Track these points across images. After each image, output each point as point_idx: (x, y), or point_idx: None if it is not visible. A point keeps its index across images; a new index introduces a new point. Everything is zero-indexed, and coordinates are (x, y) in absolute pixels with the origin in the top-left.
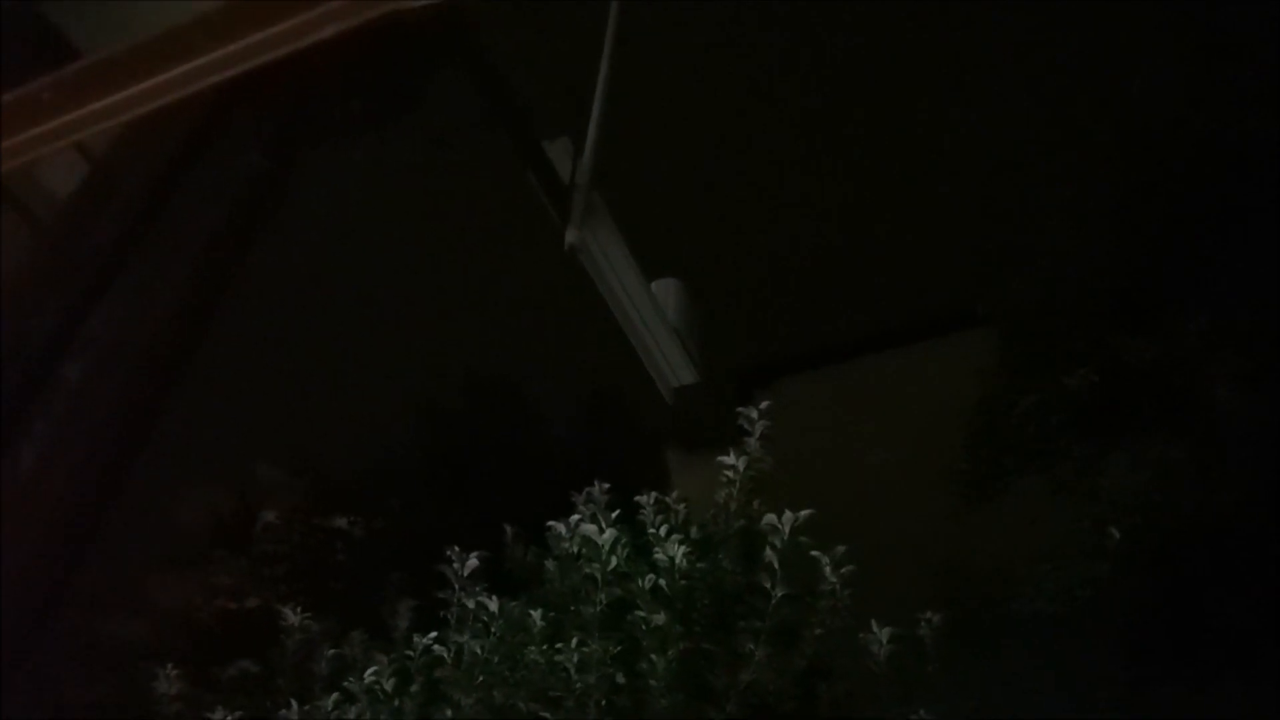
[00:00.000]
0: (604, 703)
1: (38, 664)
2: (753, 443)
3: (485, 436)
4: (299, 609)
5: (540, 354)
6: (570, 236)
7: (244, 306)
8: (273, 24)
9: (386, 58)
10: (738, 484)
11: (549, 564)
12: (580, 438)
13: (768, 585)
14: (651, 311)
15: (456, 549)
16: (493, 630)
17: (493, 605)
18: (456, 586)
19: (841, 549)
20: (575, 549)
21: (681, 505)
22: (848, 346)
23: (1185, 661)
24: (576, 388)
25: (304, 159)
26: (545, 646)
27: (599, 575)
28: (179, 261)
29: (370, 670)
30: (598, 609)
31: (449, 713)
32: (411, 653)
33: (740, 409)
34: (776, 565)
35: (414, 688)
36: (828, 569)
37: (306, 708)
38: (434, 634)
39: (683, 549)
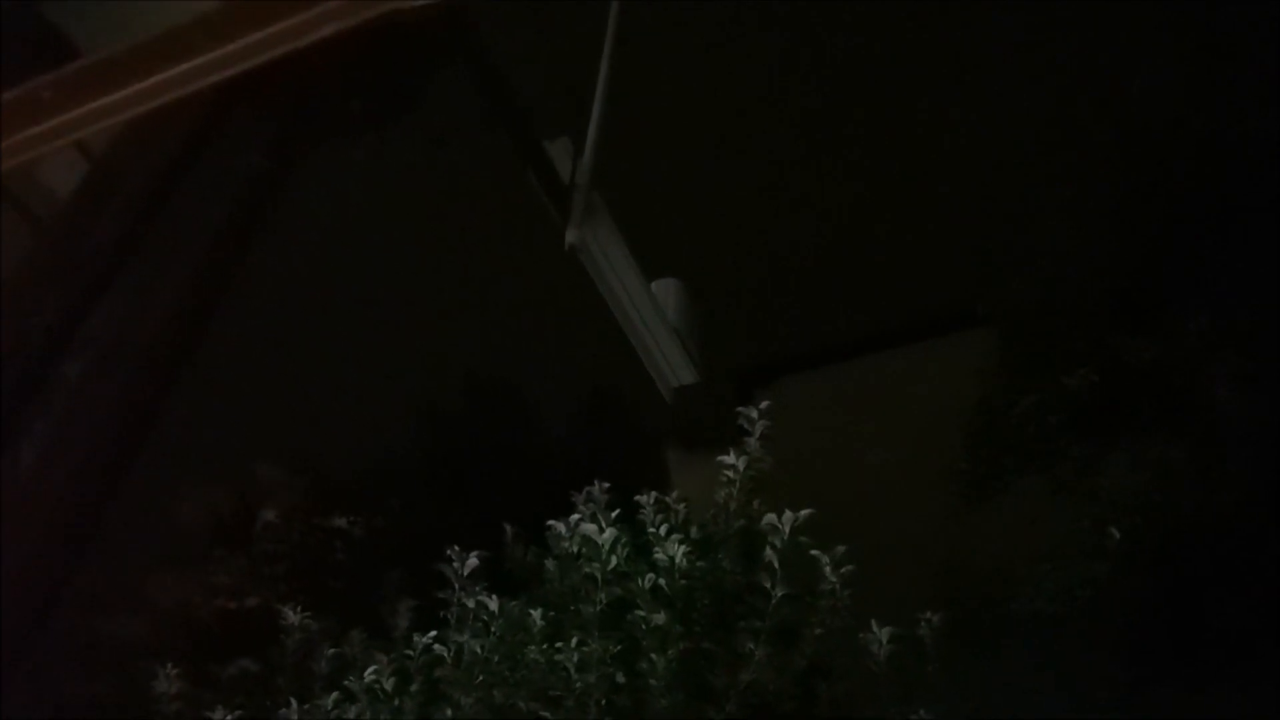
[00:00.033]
0: (604, 702)
1: (38, 663)
2: (753, 442)
3: (485, 436)
4: (299, 608)
5: (540, 353)
6: (570, 236)
7: (244, 306)
8: (272, 23)
9: (386, 58)
10: (738, 484)
11: (549, 563)
12: (580, 437)
13: (768, 585)
14: (651, 311)
15: (456, 548)
16: (493, 630)
17: (493, 604)
18: (456, 586)
19: (841, 549)
20: (575, 548)
21: (681, 505)
22: (848, 346)
23: (1185, 661)
24: (576, 387)
25: (304, 159)
26: (545, 646)
27: (599, 575)
28: (179, 261)
29: (370, 669)
30: (598, 608)
31: (449, 712)
32: (411, 652)
33: (740, 409)
34: (776, 565)
35: (414, 687)
36: (828, 569)
37: (306, 707)
38: (434, 633)
39: (683, 548)
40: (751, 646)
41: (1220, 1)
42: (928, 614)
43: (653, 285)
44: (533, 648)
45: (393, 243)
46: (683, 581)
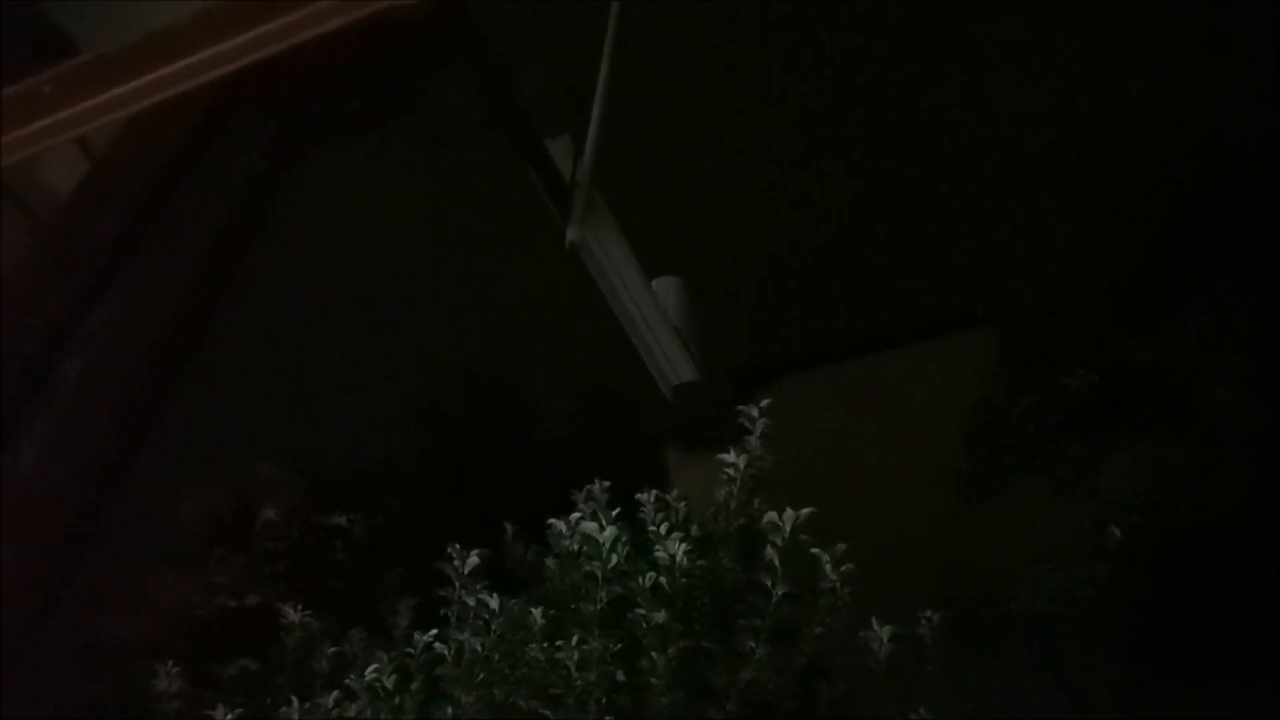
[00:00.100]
0: (604, 700)
1: (38, 663)
2: (753, 441)
3: (485, 434)
4: (299, 607)
5: (540, 352)
6: (571, 234)
7: (244, 306)
8: (272, 20)
9: (386, 57)
10: (738, 482)
11: (549, 562)
12: (580, 435)
13: (768, 583)
14: (652, 309)
15: (457, 546)
16: (493, 628)
17: (493, 603)
18: (457, 584)
19: (842, 547)
20: (576, 547)
21: (682, 503)
22: (848, 346)
23: (1185, 661)
24: (577, 385)
25: (304, 158)
26: (546, 644)
27: (599, 573)
28: (179, 260)
29: (371, 668)
30: (598, 607)
31: (449, 710)
32: (412, 650)
33: (741, 407)
34: (777, 563)
35: (414, 685)
36: (828, 567)
37: (307, 705)
38: (434, 631)
39: (683, 547)
40: (752, 645)
41: (1220, 1)
42: (928, 613)
43: (653, 283)
44: (533, 646)
45: (393, 243)
46: (683, 580)
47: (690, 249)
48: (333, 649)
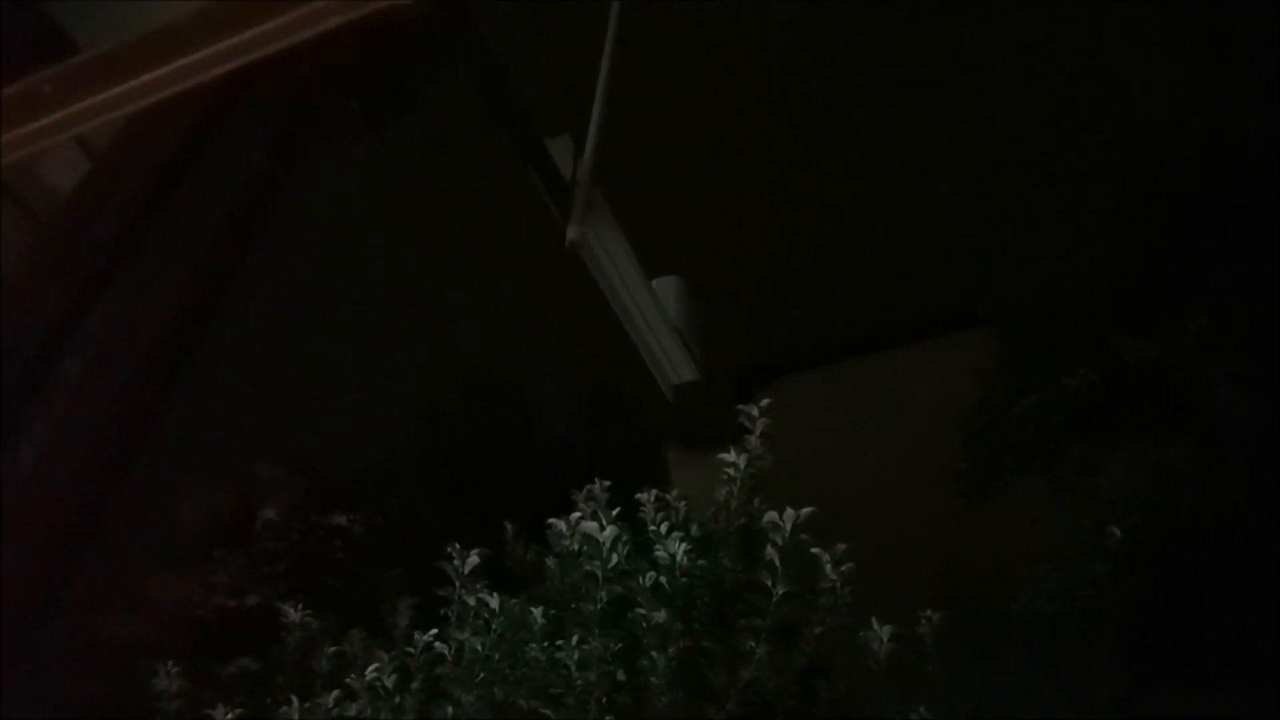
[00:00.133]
0: (604, 700)
1: (38, 662)
2: (753, 440)
3: (486, 434)
4: (299, 606)
5: (541, 351)
6: (571, 233)
7: (244, 306)
8: (271, 19)
9: (386, 57)
10: (738, 481)
11: (550, 561)
12: (581, 435)
13: (769, 583)
14: (652, 309)
15: (457, 546)
16: (493, 627)
17: (493, 602)
18: (457, 584)
19: (842, 547)
20: (576, 546)
21: (682, 503)
22: (848, 346)
23: (1185, 661)
24: (577, 385)
25: (304, 158)
26: (546, 644)
27: (599, 573)
28: (180, 259)
29: (371, 667)
30: (598, 606)
31: (450, 710)
32: (412, 650)
33: (741, 407)
34: (778, 563)
35: (415, 685)
36: (828, 567)
37: (307, 705)
38: (435, 631)
39: (683, 546)
40: (752, 644)
41: (1220, 1)
42: (928, 612)
43: (654, 283)
44: (533, 645)
45: (393, 243)
46: (683, 579)
47: (690, 249)
48: (333, 648)
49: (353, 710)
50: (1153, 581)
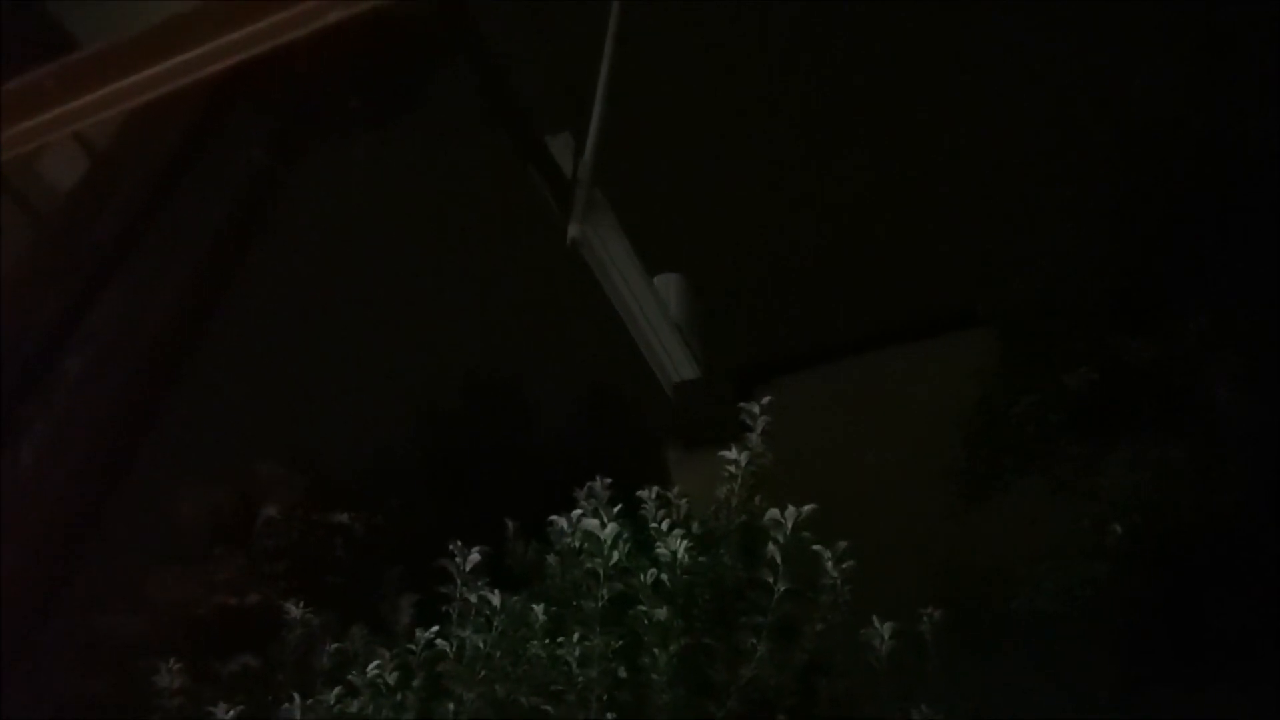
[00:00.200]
0: (605, 697)
1: (38, 660)
2: (754, 438)
3: (487, 432)
4: (300, 604)
5: (542, 349)
6: (572, 231)
7: (244, 305)
8: (270, 15)
9: (386, 56)
10: (739, 479)
11: (551, 559)
12: (582, 433)
13: (769, 580)
14: (653, 306)
15: (458, 544)
16: (495, 625)
17: (495, 600)
18: (458, 581)
19: (843, 545)
20: (577, 544)
21: (683, 500)
22: (848, 345)
23: (1185, 661)
24: (578, 383)
25: (304, 156)
26: (547, 641)
27: (600, 570)
28: (180, 257)
29: (372, 664)
30: (599, 604)
31: (451, 707)
32: (413, 647)
33: (742, 404)
34: (779, 560)
35: (416, 682)
36: (829, 564)
37: (308, 702)
38: (436, 628)
39: (684, 544)
40: (753, 642)
41: (1220, 1)
42: (929, 610)
43: (654, 280)
44: (535, 643)
45: (393, 242)
46: (684, 577)
47: (691, 247)
48: (334, 646)
49: (354, 707)
50: (1153, 581)
